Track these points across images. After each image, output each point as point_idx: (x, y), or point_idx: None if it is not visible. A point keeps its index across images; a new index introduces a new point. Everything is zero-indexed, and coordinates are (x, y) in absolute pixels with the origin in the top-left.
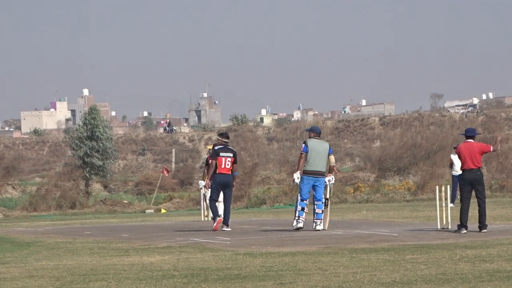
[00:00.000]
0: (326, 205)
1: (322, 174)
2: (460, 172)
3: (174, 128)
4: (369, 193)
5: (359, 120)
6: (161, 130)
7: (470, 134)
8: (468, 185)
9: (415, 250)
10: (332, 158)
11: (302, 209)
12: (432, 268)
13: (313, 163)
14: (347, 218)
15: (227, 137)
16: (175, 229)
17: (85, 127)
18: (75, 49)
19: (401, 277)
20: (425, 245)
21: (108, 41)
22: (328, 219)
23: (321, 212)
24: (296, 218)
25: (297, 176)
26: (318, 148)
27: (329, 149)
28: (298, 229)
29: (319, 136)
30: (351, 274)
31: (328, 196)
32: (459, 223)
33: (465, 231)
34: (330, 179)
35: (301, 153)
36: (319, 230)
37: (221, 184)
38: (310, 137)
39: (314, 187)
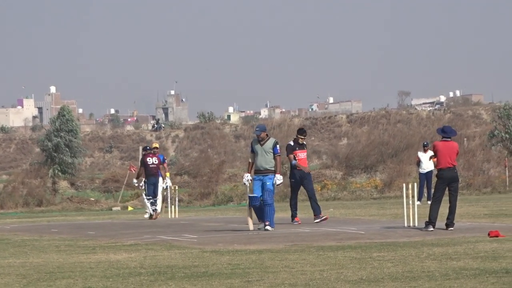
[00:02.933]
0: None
1: (267, 172)
2: (428, 170)
3: (163, 125)
4: (336, 190)
5: (326, 118)
6: (128, 127)
7: (451, 135)
8: (445, 184)
9: (382, 248)
10: (278, 158)
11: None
12: (399, 266)
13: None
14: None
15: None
16: (142, 227)
17: (59, 120)
18: (41, 45)
19: (368, 275)
20: (392, 243)
21: (74, 38)
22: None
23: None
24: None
25: (246, 177)
26: (261, 147)
27: (274, 149)
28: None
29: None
30: (318, 271)
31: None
32: (427, 220)
33: (432, 229)
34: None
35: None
36: (268, 230)
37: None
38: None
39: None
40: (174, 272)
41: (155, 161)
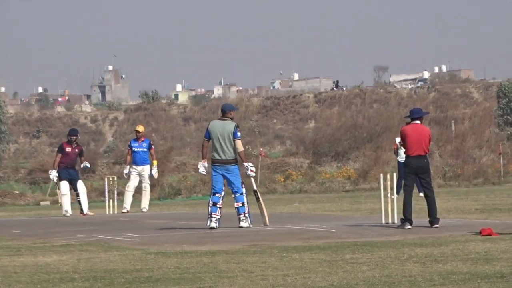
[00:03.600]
0: (257, 198)
1: (228, 162)
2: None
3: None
4: (302, 182)
5: (291, 97)
6: (59, 108)
7: (417, 115)
8: (413, 174)
9: (356, 248)
10: (239, 143)
11: (214, 204)
12: (376, 270)
13: (215, 151)
14: (277, 211)
15: None
16: (75, 224)
17: None
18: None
19: (339, 280)
20: (367, 242)
21: None
22: (265, 213)
23: (241, 205)
24: (209, 216)
25: (202, 166)
26: (219, 132)
27: (235, 132)
28: (211, 228)
29: (224, 116)
30: (281, 276)
31: (255, 188)
32: (403, 217)
33: (409, 227)
34: (246, 167)
35: (203, 139)
36: (243, 227)
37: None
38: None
39: (225, 177)
40: (112, 278)
41: (144, 147)
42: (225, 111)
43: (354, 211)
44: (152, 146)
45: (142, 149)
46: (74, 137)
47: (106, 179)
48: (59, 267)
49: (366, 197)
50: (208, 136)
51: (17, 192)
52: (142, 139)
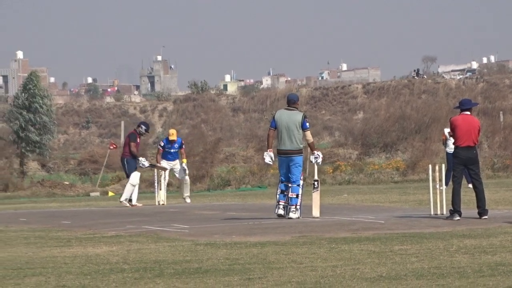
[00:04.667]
0: (315, 188)
1: (293, 153)
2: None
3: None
4: (351, 173)
5: (339, 88)
6: (108, 99)
7: (467, 106)
8: (462, 165)
9: (405, 239)
10: (308, 134)
11: (282, 192)
12: (425, 261)
13: (281, 141)
14: (325, 202)
15: None
16: (125, 215)
17: (23, 95)
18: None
19: (388, 271)
20: (416, 234)
21: None
22: (319, 204)
23: (295, 196)
24: (277, 203)
25: (268, 155)
26: (285, 122)
27: (303, 122)
28: (279, 216)
29: (290, 106)
30: (330, 267)
31: (316, 177)
32: (451, 208)
33: (458, 218)
34: (316, 156)
35: (269, 129)
36: (292, 218)
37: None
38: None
39: (288, 167)
40: (162, 268)
41: (176, 147)
42: (293, 101)
43: (402, 202)
44: (183, 146)
45: (174, 150)
46: (147, 132)
47: (156, 170)
48: (109, 258)
49: (415, 188)
50: (274, 125)
51: (66, 183)
52: (175, 140)
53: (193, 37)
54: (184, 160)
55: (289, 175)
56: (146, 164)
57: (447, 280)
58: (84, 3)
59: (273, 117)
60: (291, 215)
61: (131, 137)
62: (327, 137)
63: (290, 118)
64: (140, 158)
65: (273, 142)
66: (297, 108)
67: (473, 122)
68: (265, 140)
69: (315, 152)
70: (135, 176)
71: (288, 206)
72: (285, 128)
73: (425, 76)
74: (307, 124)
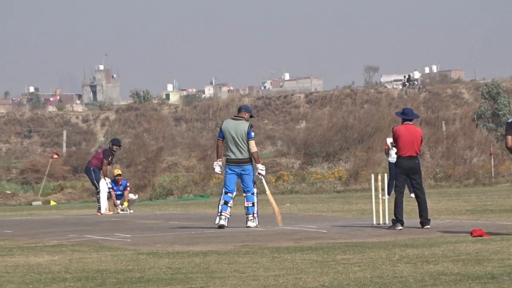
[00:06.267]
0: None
1: (244, 162)
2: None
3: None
4: (293, 182)
5: (282, 97)
6: (50, 108)
7: (411, 117)
8: (404, 174)
9: (347, 249)
10: (252, 143)
11: (226, 203)
12: (367, 271)
13: (230, 151)
14: (268, 211)
15: None
16: (67, 225)
17: None
18: None
19: (330, 281)
20: (358, 243)
21: None
22: (277, 212)
23: (251, 205)
24: (218, 214)
25: (217, 165)
26: (232, 131)
27: (249, 132)
28: (220, 227)
29: (237, 115)
30: (273, 277)
31: (267, 191)
32: (394, 217)
33: (400, 227)
34: (259, 171)
35: (217, 139)
36: (250, 227)
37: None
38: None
39: (240, 176)
40: (104, 278)
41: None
42: (240, 110)
43: (345, 211)
44: (127, 188)
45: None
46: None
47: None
48: (51, 267)
49: (357, 198)
50: (222, 135)
51: (8, 192)
52: (121, 183)
53: (136, 46)
54: (125, 203)
55: (242, 185)
56: (108, 186)
57: None
58: (24, 12)
59: (220, 128)
60: (249, 223)
61: (105, 154)
62: (269, 146)
63: (236, 127)
64: (107, 180)
65: (222, 151)
66: (244, 118)
67: (416, 132)
68: (208, 150)
69: (258, 164)
70: (103, 184)
71: (246, 215)
72: (232, 138)
73: (416, 83)
74: (252, 133)
